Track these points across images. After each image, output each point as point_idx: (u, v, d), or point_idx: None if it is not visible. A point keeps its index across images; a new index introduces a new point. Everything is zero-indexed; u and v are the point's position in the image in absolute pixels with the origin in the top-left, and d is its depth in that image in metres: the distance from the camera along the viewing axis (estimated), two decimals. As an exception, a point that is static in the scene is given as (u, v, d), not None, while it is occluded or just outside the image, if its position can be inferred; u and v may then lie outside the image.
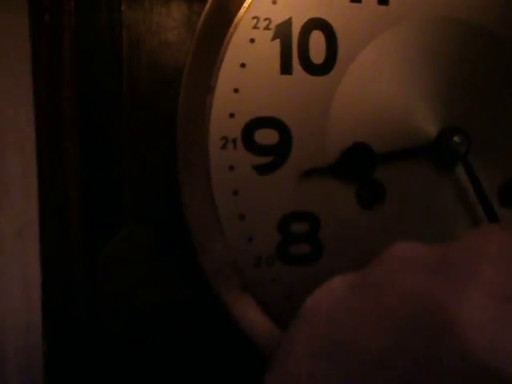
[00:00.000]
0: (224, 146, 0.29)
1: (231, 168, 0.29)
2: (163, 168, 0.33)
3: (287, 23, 0.29)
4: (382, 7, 0.30)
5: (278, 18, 0.29)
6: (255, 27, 0.29)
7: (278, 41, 0.29)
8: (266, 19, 0.29)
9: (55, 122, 0.29)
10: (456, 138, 0.31)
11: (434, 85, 0.31)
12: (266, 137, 0.29)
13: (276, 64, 0.29)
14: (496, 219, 0.31)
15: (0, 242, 0.34)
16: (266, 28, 0.29)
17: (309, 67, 0.30)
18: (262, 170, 0.29)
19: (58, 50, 0.27)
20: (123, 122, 0.35)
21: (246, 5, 0.28)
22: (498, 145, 0.33)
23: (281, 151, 0.30)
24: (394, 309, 0.15)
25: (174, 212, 0.31)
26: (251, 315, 0.30)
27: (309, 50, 0.30)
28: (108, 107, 0.35)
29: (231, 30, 0.28)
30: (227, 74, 0.28)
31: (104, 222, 0.34)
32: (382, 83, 0.31)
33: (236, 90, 0.29)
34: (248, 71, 0.29)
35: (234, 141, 0.29)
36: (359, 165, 0.30)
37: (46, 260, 0.31)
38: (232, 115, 0.29)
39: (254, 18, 0.28)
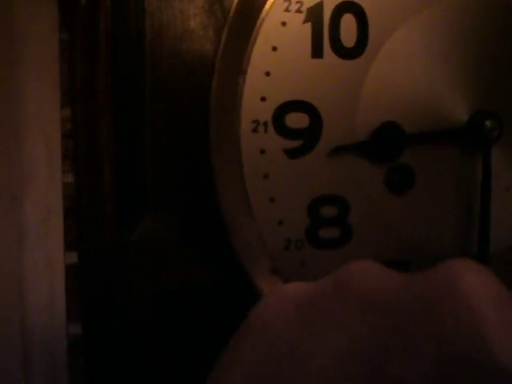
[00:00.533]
0: (255, 130, 0.29)
1: (262, 151, 0.29)
2: (188, 154, 0.33)
3: (319, 6, 0.29)
4: (414, -10, 0.30)
5: (309, 1, 0.29)
6: (287, 10, 0.29)
7: (309, 24, 0.29)
8: (297, 2, 0.29)
9: (91, 104, 0.29)
10: (488, 123, 0.30)
11: (465, 68, 0.31)
12: (297, 120, 0.29)
13: (307, 47, 0.29)
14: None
15: (25, 228, 0.34)
16: (298, 11, 0.29)
17: (340, 51, 0.29)
18: (292, 153, 0.29)
19: (94, 33, 0.27)
20: (146, 108, 0.35)
21: (277, -12, 0.28)
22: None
23: (311, 135, 0.30)
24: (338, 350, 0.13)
25: (202, 196, 0.31)
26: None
27: (340, 34, 0.29)
28: (131, 94, 0.35)
29: (263, 13, 0.28)
30: (259, 57, 0.28)
31: (133, 207, 0.34)
32: (413, 66, 0.30)
33: (267, 74, 0.29)
34: (279, 54, 0.29)
35: (265, 124, 0.29)
36: (389, 144, 0.30)
37: (81, 245, 0.32)
38: (263, 99, 0.29)
39: (285, 0, 0.28)
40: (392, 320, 0.12)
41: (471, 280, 0.13)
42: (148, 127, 0.35)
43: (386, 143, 0.30)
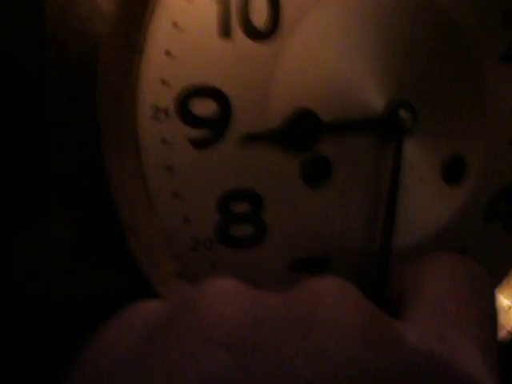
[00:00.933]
0: (155, 116, 0.26)
1: (164, 141, 0.26)
2: (91, 144, 0.30)
3: (225, -20, 0.26)
4: (328, -30, 0.28)
5: (214, -26, 0.26)
6: (189, -18, 0.26)
7: (215, -1, 0.26)
8: (201, -26, 0.26)
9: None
10: (401, 112, 0.30)
11: (383, 56, 0.30)
12: (203, 107, 0.26)
13: (213, 25, 0.26)
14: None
15: None
16: (202, -16, 0.26)
17: (249, 31, 0.27)
18: (198, 143, 0.26)
19: None
20: (48, 94, 0.31)
21: (178, -44, 0.25)
22: (443, 121, 0.32)
23: (219, 123, 0.27)
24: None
25: (101, 194, 0.28)
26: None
27: (249, 12, 0.27)
28: (30, 77, 0.30)
29: (161, -17, 0.25)
30: (157, 33, 0.25)
31: (22, 207, 0.30)
32: (329, 51, 0.29)
33: (168, 53, 0.25)
34: (181, 32, 0.26)
35: (166, 110, 0.26)
36: (304, 132, 0.28)
37: None
38: (163, 81, 0.26)
39: (187, -29, 0.25)
40: (235, 358, 0.10)
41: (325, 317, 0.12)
42: (50, 118, 0.31)
43: (300, 131, 0.28)
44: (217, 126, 0.27)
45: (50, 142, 0.31)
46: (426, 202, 0.33)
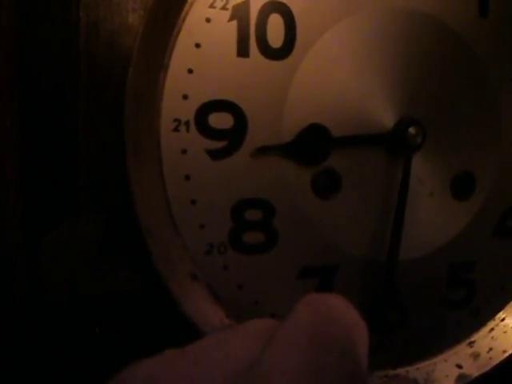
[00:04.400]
0: (176, 129, 0.28)
1: (183, 151, 0.28)
2: (118, 152, 0.32)
3: (245, 4, 0.28)
4: (342, -6, 0.30)
5: (235, -1, 0.28)
6: (212, 6, 0.28)
7: (235, 22, 0.28)
8: (222, -1, 0.28)
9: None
10: (411, 129, 0.31)
11: (393, 75, 0.31)
12: (221, 120, 0.28)
13: (233, 46, 0.28)
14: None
15: None
16: (223, 8, 0.28)
17: (266, 51, 0.29)
18: (215, 154, 0.28)
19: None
20: (79, 104, 0.33)
21: (202, -18, 0.27)
22: (454, 137, 0.33)
23: (235, 136, 0.29)
24: None
25: (124, 199, 0.30)
26: (201, 304, 0.29)
27: (267, 34, 0.29)
28: (64, 88, 0.33)
29: (186, 7, 0.27)
30: (181, 53, 0.27)
31: (55, 208, 0.32)
32: (341, 71, 0.30)
33: (190, 71, 0.28)
34: (203, 52, 0.28)
35: (187, 123, 0.28)
36: (315, 146, 0.29)
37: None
38: (185, 97, 0.28)
39: (210, -4, 0.27)
40: None
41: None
42: (81, 126, 0.33)
43: (311, 145, 0.29)
44: (233, 139, 0.29)
45: (80, 150, 0.33)
46: (435, 216, 0.34)
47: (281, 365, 0.14)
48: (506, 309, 0.36)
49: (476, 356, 0.35)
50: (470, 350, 0.35)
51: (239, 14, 0.28)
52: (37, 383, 0.30)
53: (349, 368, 0.15)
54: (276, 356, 0.15)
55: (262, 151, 0.29)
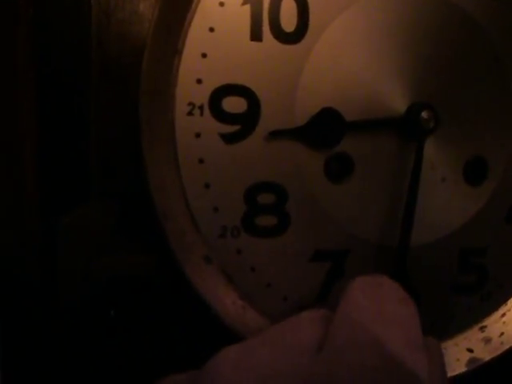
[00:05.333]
0: (190, 113, 0.28)
1: (197, 135, 0.28)
2: (130, 137, 0.32)
3: (258, -12, 0.28)
4: (356, -23, 0.30)
5: (248, -17, 0.28)
6: (225, -10, 0.28)
7: (248, 6, 0.28)
8: (236, -17, 0.28)
9: (8, 86, 0.27)
10: (424, 114, 0.31)
11: (406, 59, 0.31)
12: (234, 105, 0.29)
13: (246, 30, 0.28)
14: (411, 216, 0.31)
15: None
16: (237, -8, 0.28)
17: (279, 35, 0.29)
18: (228, 138, 0.29)
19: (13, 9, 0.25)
20: (91, 91, 0.34)
21: (215, -34, 0.27)
22: (466, 122, 0.33)
23: (248, 120, 0.29)
24: None
25: (139, 183, 0.30)
26: (215, 287, 0.29)
27: (280, 18, 0.29)
28: (75, 76, 0.33)
29: (200, -9, 0.27)
30: (195, 37, 0.27)
31: (68, 192, 0.33)
32: (353, 55, 0.30)
33: (204, 55, 0.28)
34: (217, 36, 0.28)
35: (201, 107, 0.28)
36: (328, 130, 0.29)
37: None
38: (199, 81, 0.28)
39: (223, -20, 0.28)
40: None
41: None
42: (93, 113, 0.33)
43: (324, 129, 0.30)
44: (246, 123, 0.29)
45: (91, 137, 0.34)
46: (447, 201, 0.34)
47: (351, 337, 0.15)
48: (517, 294, 0.36)
49: (487, 340, 0.35)
50: (481, 335, 0.35)
51: (252, -2, 0.28)
52: (51, 367, 0.31)
53: (411, 336, 0.16)
54: (343, 332, 0.16)
55: (275, 135, 0.29)
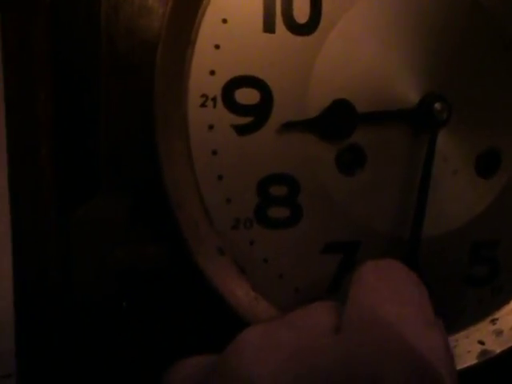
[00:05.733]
0: (203, 104, 0.28)
1: (210, 127, 0.28)
2: (142, 131, 0.32)
3: (271, -21, 0.28)
4: (369, -32, 0.30)
5: (261, -26, 0.28)
6: (238, -18, 0.28)
7: (261, -3, 0.28)
8: (249, -26, 0.28)
9: (25, 76, 0.27)
10: (437, 105, 0.31)
11: (419, 50, 0.31)
12: (247, 96, 0.29)
13: (259, 21, 0.28)
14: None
15: None
16: (249, -17, 0.28)
17: (292, 26, 0.29)
18: (241, 130, 0.29)
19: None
20: (101, 85, 0.34)
21: (228, -42, 0.27)
22: (479, 114, 0.33)
23: (261, 112, 0.29)
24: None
25: (151, 174, 0.30)
26: (228, 278, 0.29)
27: (292, 9, 0.29)
28: (85, 70, 0.33)
29: (213, -17, 0.27)
30: (208, 29, 0.27)
31: (81, 184, 0.33)
32: (366, 46, 0.30)
33: (217, 47, 0.28)
34: (230, 27, 0.28)
35: (214, 99, 0.28)
36: (340, 122, 0.29)
37: (17, 222, 0.30)
38: (212, 72, 0.28)
39: (236, -28, 0.28)
40: None
41: None
42: (102, 105, 0.34)
43: (336, 121, 0.30)
44: (259, 115, 0.29)
45: (101, 131, 0.34)
46: (459, 193, 0.34)
47: (369, 317, 0.16)
48: (529, 287, 0.36)
49: (499, 333, 0.35)
50: (492, 327, 0.35)
51: (265, -10, 0.28)
52: (65, 358, 0.32)
53: (427, 316, 0.16)
54: (361, 312, 0.16)
55: (287, 127, 0.29)
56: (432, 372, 0.15)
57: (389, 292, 0.17)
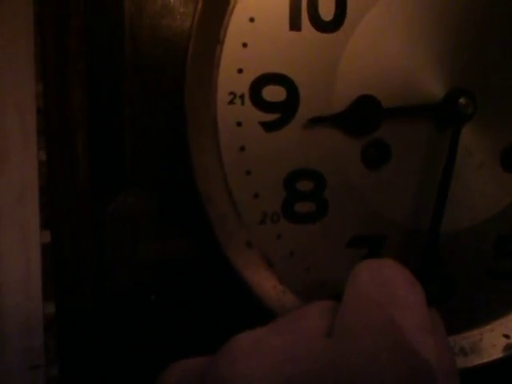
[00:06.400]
0: (232, 102, 0.29)
1: (238, 124, 0.29)
2: (167, 128, 0.33)
3: (297, -22, 0.29)
4: (393, -35, 0.30)
5: (287, -27, 0.28)
6: (265, -19, 0.28)
7: (287, -4, 0.29)
8: (275, -27, 0.28)
9: (61, 75, 0.28)
10: (462, 100, 0.31)
11: (443, 45, 0.31)
12: (274, 93, 0.29)
13: (285, 20, 0.29)
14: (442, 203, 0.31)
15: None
16: (276, -18, 0.28)
17: (318, 24, 0.29)
18: (268, 126, 0.29)
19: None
20: (125, 83, 0.35)
21: (255, -42, 0.28)
22: (504, 108, 0.33)
23: (288, 108, 0.30)
24: None
25: (180, 169, 0.31)
26: (256, 271, 0.30)
27: (318, 7, 0.29)
28: (110, 68, 0.34)
29: (241, -17, 0.28)
30: (236, 27, 0.28)
31: (111, 181, 0.34)
32: (391, 42, 0.30)
33: (245, 45, 0.29)
34: (257, 26, 0.29)
35: (242, 97, 0.29)
36: (366, 116, 0.30)
37: (53, 219, 0.31)
38: (240, 70, 0.29)
39: (263, -29, 0.28)
40: None
41: None
42: (126, 102, 0.35)
43: (362, 116, 0.30)
44: (286, 111, 0.29)
45: (126, 128, 0.35)
46: (484, 188, 0.34)
47: (361, 319, 0.15)
48: (554, 281, 0.36)
49: (524, 326, 0.35)
50: (517, 321, 0.35)
51: (291, -12, 0.29)
52: (99, 350, 0.33)
53: (421, 319, 0.16)
54: (354, 314, 0.16)
55: (314, 122, 0.30)
56: (426, 373, 0.15)
57: (382, 295, 0.17)
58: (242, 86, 0.29)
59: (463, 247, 0.34)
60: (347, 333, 0.15)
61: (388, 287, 0.18)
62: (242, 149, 0.29)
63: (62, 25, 0.26)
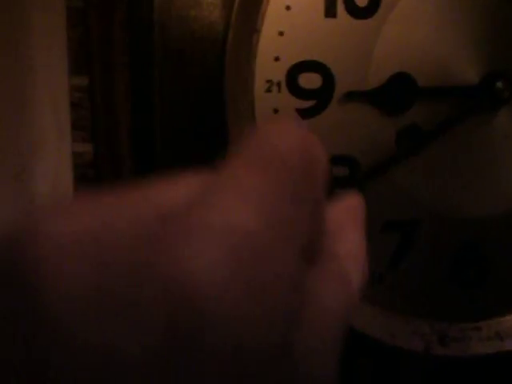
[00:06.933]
0: (269, 89, 0.29)
1: (275, 111, 0.30)
2: (201, 116, 0.34)
3: (332, -35, 0.29)
4: (428, -52, 0.30)
5: (323, -40, 0.29)
6: (300, -31, 0.29)
7: (322, -17, 0.29)
8: (311, -39, 0.29)
9: (107, 65, 0.30)
10: (499, 83, 0.31)
11: (478, 28, 0.31)
12: (310, 80, 0.30)
13: (320, 7, 0.29)
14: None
15: (33, 199, 0.35)
16: (311, -30, 0.29)
17: (353, 10, 0.30)
18: (304, 113, 0.30)
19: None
20: (155, 73, 0.36)
21: None
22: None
23: (323, 95, 0.30)
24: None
25: (216, 158, 0.32)
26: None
27: (353, -6, 0.30)
28: (141, 60, 0.35)
29: (277, -29, 0.28)
30: (273, 16, 0.29)
31: (136, 172, 0.35)
32: (425, 27, 0.31)
33: (281, 33, 0.29)
34: (293, 14, 0.29)
35: (279, 84, 0.29)
36: (401, 94, 0.30)
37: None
38: (277, 58, 0.29)
39: (299, -41, 0.29)
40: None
41: None
42: (157, 93, 0.35)
43: (397, 93, 0.30)
44: (321, 98, 0.30)
45: (156, 117, 0.36)
46: (519, 172, 0.34)
47: (237, 182, 0.10)
48: None
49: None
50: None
51: (327, -25, 0.29)
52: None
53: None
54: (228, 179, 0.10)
55: (350, 97, 0.30)
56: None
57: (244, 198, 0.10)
58: (279, 73, 0.29)
59: (499, 232, 0.34)
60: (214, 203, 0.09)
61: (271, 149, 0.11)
62: (279, 135, 0.30)
63: (107, 18, 0.27)
